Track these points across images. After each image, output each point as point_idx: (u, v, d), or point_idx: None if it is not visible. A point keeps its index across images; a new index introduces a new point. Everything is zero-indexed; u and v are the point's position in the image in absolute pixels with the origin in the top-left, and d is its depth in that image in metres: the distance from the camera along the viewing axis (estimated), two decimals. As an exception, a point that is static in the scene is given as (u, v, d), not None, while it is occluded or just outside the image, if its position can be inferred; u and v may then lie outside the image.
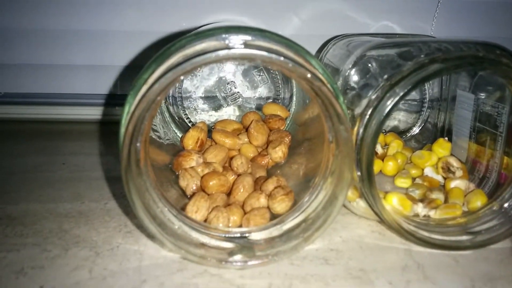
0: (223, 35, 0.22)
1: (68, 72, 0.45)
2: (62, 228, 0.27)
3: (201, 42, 0.22)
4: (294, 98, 0.40)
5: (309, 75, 0.21)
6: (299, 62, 0.21)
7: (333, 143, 0.23)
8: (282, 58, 0.21)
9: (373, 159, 0.23)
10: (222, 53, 0.20)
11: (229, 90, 0.40)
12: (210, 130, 0.38)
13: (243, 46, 0.21)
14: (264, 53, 0.21)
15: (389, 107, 0.23)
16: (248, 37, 0.22)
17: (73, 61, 0.45)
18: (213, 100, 0.40)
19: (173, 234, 0.22)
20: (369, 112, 0.23)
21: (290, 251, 0.23)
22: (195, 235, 0.24)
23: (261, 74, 0.41)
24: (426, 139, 0.39)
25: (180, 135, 0.38)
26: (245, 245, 0.24)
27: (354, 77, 0.28)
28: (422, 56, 0.24)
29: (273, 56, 0.21)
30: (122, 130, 0.21)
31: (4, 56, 0.45)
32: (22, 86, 0.46)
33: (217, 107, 0.41)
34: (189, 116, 0.40)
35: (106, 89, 0.46)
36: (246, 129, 0.38)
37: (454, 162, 0.33)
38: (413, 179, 0.33)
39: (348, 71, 0.28)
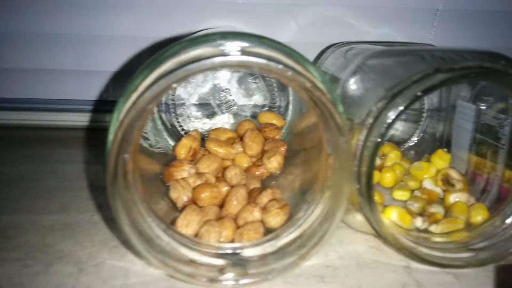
0: (219, 41, 0.21)
1: (55, 76, 0.44)
2: (45, 241, 0.26)
3: (196, 48, 0.21)
4: (291, 107, 0.39)
5: (308, 85, 0.20)
6: (298, 71, 0.20)
7: (332, 155, 0.22)
8: (280, 66, 0.20)
9: (373, 172, 0.22)
10: (217, 60, 0.19)
11: (224, 97, 0.39)
12: (203, 138, 0.37)
13: (240, 53, 0.20)
14: (262, 60, 0.20)
15: (391, 118, 0.22)
16: (245, 44, 0.21)
17: (61, 66, 0.43)
18: (207, 107, 0.39)
19: (161, 251, 0.21)
20: (369, 123, 0.22)
21: (285, 269, 0.22)
22: (184, 251, 0.22)
23: (257, 81, 0.40)
24: (425, 150, 0.38)
25: (172, 144, 0.36)
26: (237, 262, 0.22)
27: (354, 86, 0.27)
28: (425, 65, 0.24)
29: (272, 64, 0.20)
30: (110, 139, 0.20)
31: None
32: (8, 91, 0.45)
33: (211, 115, 0.40)
34: (182, 124, 0.39)
35: (95, 95, 0.45)
36: (241, 138, 0.37)
37: (454, 174, 0.32)
38: (412, 191, 0.32)
39: (348, 79, 0.27)
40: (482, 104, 0.31)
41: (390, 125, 0.22)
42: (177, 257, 0.22)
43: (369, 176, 0.22)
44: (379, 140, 0.22)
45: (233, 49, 0.20)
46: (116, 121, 0.20)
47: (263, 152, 0.35)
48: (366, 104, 0.24)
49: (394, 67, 0.26)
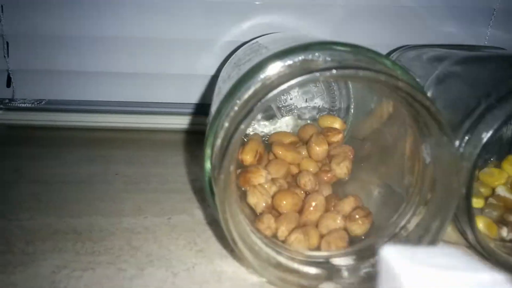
0: (315, 53, 0.21)
1: (115, 79, 0.45)
2: (132, 245, 0.27)
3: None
4: (352, 110, 0.39)
5: (401, 85, 0.20)
6: (392, 74, 0.20)
7: (432, 164, 0.22)
8: (382, 77, 0.19)
9: (473, 185, 0.21)
10: (324, 74, 0.19)
11: (284, 101, 0.39)
12: (263, 142, 0.37)
13: (339, 65, 0.20)
14: (367, 72, 0.20)
15: (495, 126, 0.21)
16: (342, 55, 0.21)
17: (119, 69, 0.44)
18: (266, 110, 0.39)
19: (266, 260, 0.21)
20: (467, 133, 0.22)
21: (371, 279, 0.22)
22: (272, 253, 0.23)
23: (317, 85, 0.39)
24: (491, 155, 0.38)
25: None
26: (332, 271, 0.23)
27: (436, 95, 0.27)
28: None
29: (371, 73, 0.19)
30: (218, 155, 0.20)
31: (51, 62, 0.44)
32: (69, 93, 0.46)
33: (271, 118, 0.40)
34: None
35: (152, 98, 0.46)
36: (303, 143, 0.37)
37: (530, 183, 0.31)
38: (486, 198, 0.32)
39: (432, 86, 0.26)
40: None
41: (497, 132, 0.21)
42: (279, 265, 0.22)
43: (469, 190, 0.21)
44: (480, 150, 0.21)
45: (333, 61, 0.20)
46: (224, 138, 0.20)
47: (328, 157, 0.35)
48: (458, 114, 0.23)
49: (485, 73, 0.25)
